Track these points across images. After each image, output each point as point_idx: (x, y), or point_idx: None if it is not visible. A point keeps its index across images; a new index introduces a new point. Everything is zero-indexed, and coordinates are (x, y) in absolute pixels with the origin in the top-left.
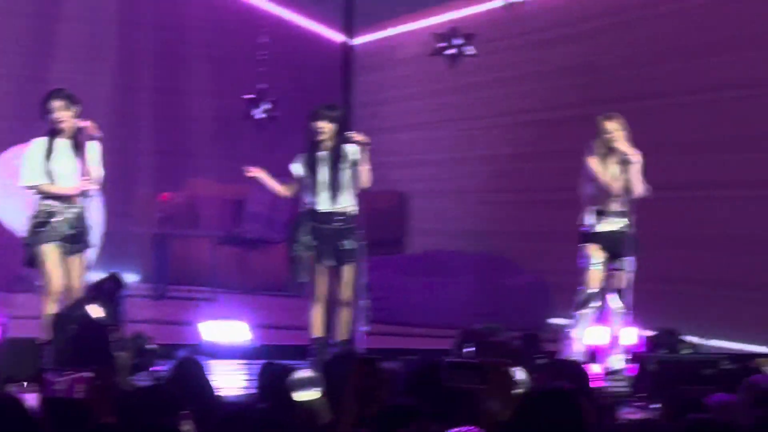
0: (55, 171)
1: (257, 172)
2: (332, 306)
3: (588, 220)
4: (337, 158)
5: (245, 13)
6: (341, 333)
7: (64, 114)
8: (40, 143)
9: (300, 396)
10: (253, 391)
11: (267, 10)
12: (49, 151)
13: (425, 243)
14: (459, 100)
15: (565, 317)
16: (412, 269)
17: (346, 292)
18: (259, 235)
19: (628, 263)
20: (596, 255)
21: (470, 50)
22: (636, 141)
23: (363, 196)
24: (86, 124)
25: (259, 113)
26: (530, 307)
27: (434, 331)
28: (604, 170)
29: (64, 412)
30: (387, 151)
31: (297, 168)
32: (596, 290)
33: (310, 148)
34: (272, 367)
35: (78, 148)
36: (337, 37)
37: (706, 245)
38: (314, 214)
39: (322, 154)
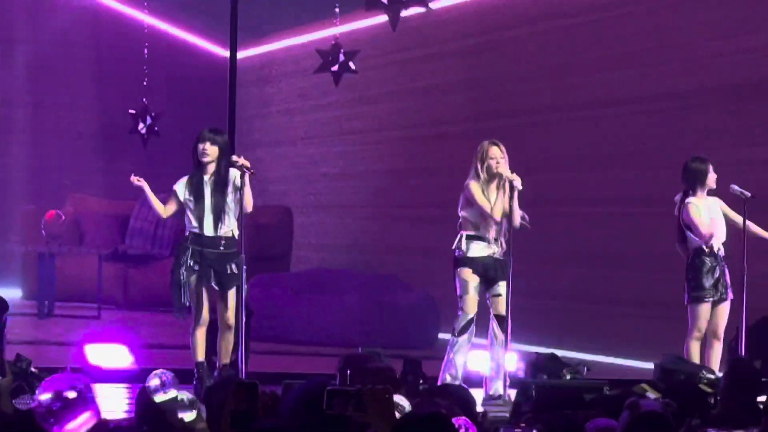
0: None
1: (142, 183)
2: (216, 329)
3: (463, 245)
4: (221, 183)
5: (128, 27)
6: (224, 356)
7: None
8: None
9: (177, 419)
10: (132, 415)
11: (151, 25)
12: None
13: (310, 258)
14: (343, 116)
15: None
16: (299, 287)
17: (230, 316)
18: (144, 251)
19: (505, 288)
20: (472, 280)
21: (353, 66)
22: (512, 158)
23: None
24: None
25: (143, 128)
26: (419, 324)
27: (323, 350)
28: (486, 196)
29: None
30: (271, 166)
31: (180, 190)
32: (473, 315)
33: (194, 170)
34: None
35: None
36: (221, 51)
37: (576, 262)
38: (199, 238)
39: (207, 177)
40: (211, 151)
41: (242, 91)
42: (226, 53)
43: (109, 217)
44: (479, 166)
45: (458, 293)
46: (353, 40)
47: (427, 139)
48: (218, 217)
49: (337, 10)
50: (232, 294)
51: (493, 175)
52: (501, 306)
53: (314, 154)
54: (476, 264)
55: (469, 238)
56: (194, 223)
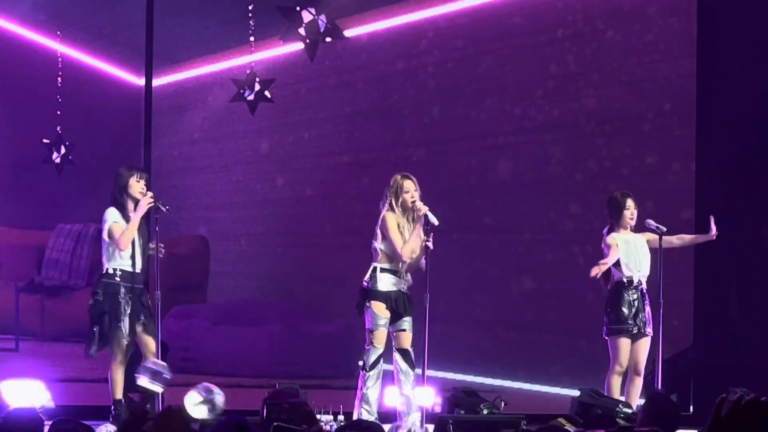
0: None
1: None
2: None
3: (375, 278)
4: (145, 219)
5: (41, 56)
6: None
7: None
8: None
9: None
10: None
11: (65, 54)
12: None
13: (227, 287)
14: (258, 143)
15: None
16: (217, 317)
17: (153, 349)
18: (60, 282)
19: (410, 323)
20: (382, 314)
21: (268, 95)
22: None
23: (168, 241)
24: None
25: (57, 157)
26: (338, 353)
27: (242, 381)
28: (400, 231)
29: None
30: (186, 194)
31: (122, 224)
32: (383, 349)
33: (121, 205)
34: (62, 426)
35: None
36: (135, 79)
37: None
38: (130, 275)
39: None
40: (141, 188)
41: (157, 119)
42: (141, 81)
43: (24, 248)
44: (393, 201)
45: (368, 326)
46: (269, 68)
47: (344, 165)
48: (144, 253)
49: (252, 39)
50: (152, 327)
51: (407, 209)
52: (405, 341)
53: (230, 182)
54: (386, 297)
55: (383, 270)
56: (126, 260)
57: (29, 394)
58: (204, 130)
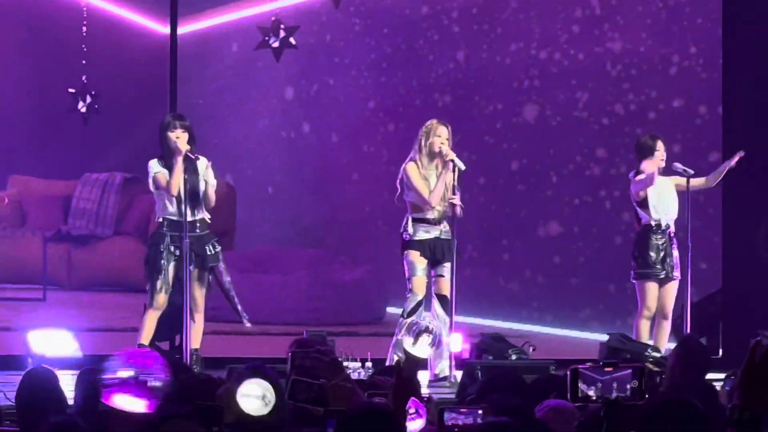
0: None
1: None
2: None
3: (409, 228)
4: (193, 168)
5: (65, 6)
6: (196, 341)
7: None
8: None
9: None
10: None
11: (89, 3)
12: None
13: (255, 235)
14: (283, 91)
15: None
16: (244, 266)
17: (201, 298)
18: (87, 231)
19: (449, 269)
20: (419, 262)
21: (293, 42)
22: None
23: None
24: None
25: (83, 107)
26: (366, 300)
27: (269, 329)
28: (424, 178)
29: None
30: (213, 142)
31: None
32: (422, 297)
33: (165, 156)
34: (90, 375)
35: None
36: (160, 27)
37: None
38: (177, 224)
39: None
40: (183, 138)
41: (182, 67)
42: (166, 29)
43: (51, 197)
44: (422, 144)
45: (407, 275)
46: (293, 15)
47: (369, 112)
48: (195, 201)
49: None
50: (205, 276)
51: (433, 155)
52: (443, 286)
53: (255, 129)
54: (423, 246)
55: (415, 221)
56: (172, 209)
57: (57, 343)
58: (229, 77)
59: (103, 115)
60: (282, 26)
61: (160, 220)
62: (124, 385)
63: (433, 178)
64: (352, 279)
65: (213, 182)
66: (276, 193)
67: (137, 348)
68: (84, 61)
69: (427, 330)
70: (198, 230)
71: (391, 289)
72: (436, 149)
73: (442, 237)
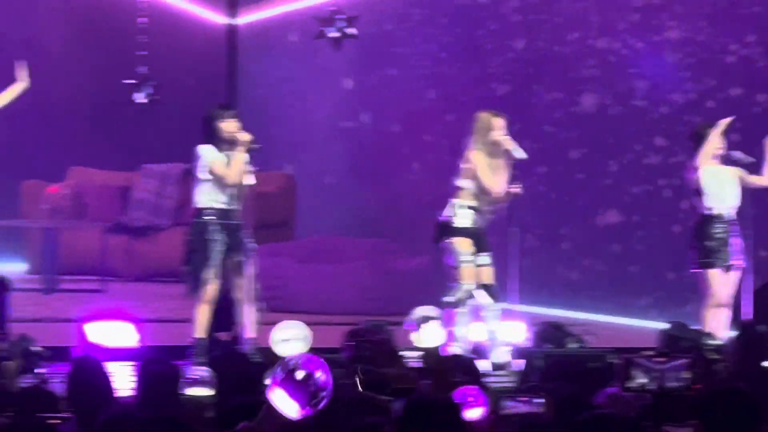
0: None
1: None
2: (229, 303)
3: (455, 214)
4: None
5: None
6: (252, 330)
7: None
8: None
9: (192, 392)
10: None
11: None
12: None
13: (314, 225)
14: (342, 80)
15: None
16: (303, 255)
17: (252, 288)
18: (146, 222)
19: (490, 257)
20: (466, 249)
21: (352, 32)
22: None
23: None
24: None
25: (140, 98)
26: (424, 289)
27: (329, 319)
28: (488, 168)
29: None
30: (273, 133)
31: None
32: (470, 285)
33: (214, 145)
34: (151, 366)
35: None
36: (219, 18)
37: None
38: (223, 213)
39: (229, 153)
40: (236, 128)
41: (241, 57)
42: (226, 20)
43: (110, 189)
44: (482, 137)
45: (453, 263)
46: (352, 5)
47: (428, 101)
48: (240, 190)
49: None
50: (251, 266)
51: (494, 146)
52: (487, 276)
53: (314, 119)
54: (468, 233)
55: (462, 207)
56: (222, 198)
57: (115, 334)
58: (288, 68)
59: (162, 105)
60: (341, 16)
61: (204, 207)
62: (289, 383)
63: (497, 171)
64: (411, 268)
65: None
66: (336, 183)
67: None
68: (143, 52)
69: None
70: (237, 219)
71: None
72: (496, 141)
73: (483, 227)
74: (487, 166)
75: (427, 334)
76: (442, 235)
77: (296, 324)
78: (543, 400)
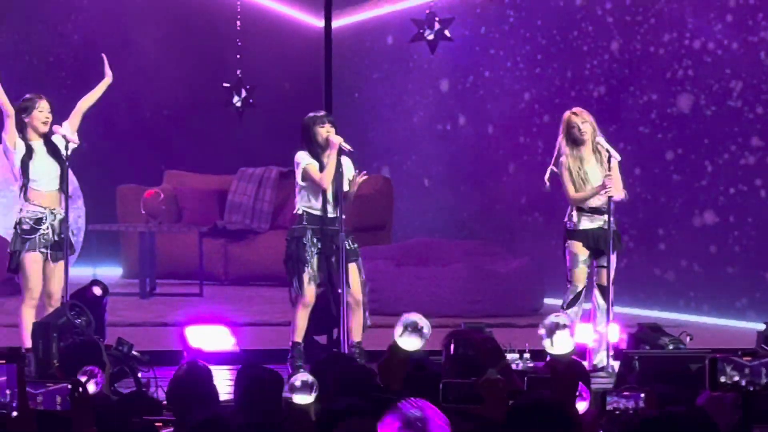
0: (36, 171)
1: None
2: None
3: (573, 217)
4: (340, 164)
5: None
6: (356, 334)
7: (50, 116)
8: (21, 144)
9: (297, 399)
10: (234, 396)
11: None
12: (29, 153)
13: (410, 227)
14: (438, 83)
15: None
16: (401, 258)
17: (357, 291)
18: (243, 226)
19: (610, 260)
20: (581, 253)
21: (448, 34)
22: None
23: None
24: (65, 131)
25: (238, 101)
26: (523, 291)
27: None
28: (579, 170)
29: (45, 426)
30: (370, 136)
31: (314, 166)
32: (582, 288)
33: (312, 151)
34: (251, 371)
35: (55, 150)
36: (315, 21)
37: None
38: (320, 219)
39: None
40: (332, 132)
41: (336, 60)
42: (321, 23)
43: (206, 192)
44: (565, 138)
45: (568, 266)
46: (448, 7)
47: (525, 103)
48: (336, 197)
49: None
50: (354, 269)
51: (578, 142)
52: (604, 277)
53: (411, 122)
54: (585, 236)
55: (579, 210)
56: (316, 203)
57: (214, 338)
58: (384, 70)
59: (258, 109)
60: (437, 18)
61: (301, 212)
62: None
63: (591, 169)
64: (509, 270)
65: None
66: (432, 185)
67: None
68: (238, 56)
69: (420, 332)
70: (336, 225)
71: (548, 279)
72: (580, 138)
73: (603, 227)
74: (570, 176)
75: (559, 341)
76: (564, 238)
77: (416, 316)
78: (644, 396)
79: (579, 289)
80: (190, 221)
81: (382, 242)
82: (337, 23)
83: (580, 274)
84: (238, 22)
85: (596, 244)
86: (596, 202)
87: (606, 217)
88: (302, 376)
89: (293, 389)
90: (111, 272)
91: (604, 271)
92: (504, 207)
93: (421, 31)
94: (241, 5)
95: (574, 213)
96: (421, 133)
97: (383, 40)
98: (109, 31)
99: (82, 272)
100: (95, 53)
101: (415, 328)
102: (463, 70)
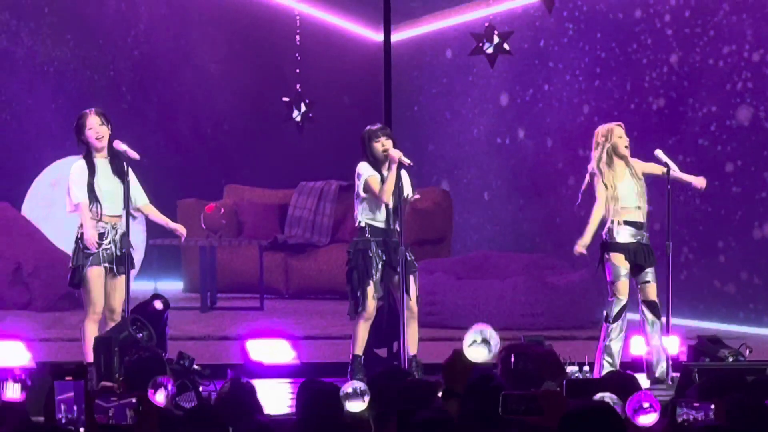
0: (101, 191)
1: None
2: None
3: (613, 230)
4: (399, 177)
5: (279, 15)
6: (413, 347)
7: (102, 130)
8: (81, 164)
9: (349, 407)
10: (295, 410)
11: (302, 12)
12: (92, 171)
13: (470, 240)
14: (497, 96)
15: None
16: (462, 271)
17: (414, 304)
18: (303, 240)
19: (653, 274)
20: (622, 265)
21: (507, 48)
22: None
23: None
24: (125, 146)
25: (298, 116)
26: (583, 303)
27: None
28: (612, 182)
29: None
30: (429, 149)
31: (376, 178)
32: (626, 301)
33: (372, 165)
34: (311, 386)
35: (118, 168)
36: (374, 35)
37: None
38: (381, 231)
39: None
40: (390, 146)
41: (396, 74)
42: (380, 37)
43: (266, 206)
44: (603, 149)
45: (609, 279)
46: (507, 20)
47: (584, 116)
48: (397, 210)
49: None
50: (412, 281)
51: (619, 156)
52: (651, 292)
53: (470, 135)
54: (626, 249)
55: (618, 223)
56: (380, 215)
57: (275, 351)
58: (443, 84)
59: (317, 123)
60: (496, 32)
61: (363, 225)
62: None
63: (623, 182)
64: (569, 283)
65: (410, 193)
66: (492, 198)
67: None
68: (298, 70)
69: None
70: (396, 236)
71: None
72: (621, 152)
73: (644, 242)
74: (605, 190)
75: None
76: (602, 250)
77: (483, 328)
78: (714, 407)
79: (624, 302)
80: (250, 235)
81: (441, 255)
82: (396, 37)
83: (623, 286)
84: (298, 37)
85: (635, 258)
86: (635, 216)
87: (645, 231)
88: (353, 384)
89: (346, 397)
90: (172, 286)
91: (648, 287)
92: (563, 220)
93: (480, 44)
94: (300, 19)
95: (614, 226)
96: (480, 147)
97: (442, 54)
98: (169, 45)
99: (143, 286)
100: (155, 68)
101: (484, 341)
102: (522, 83)
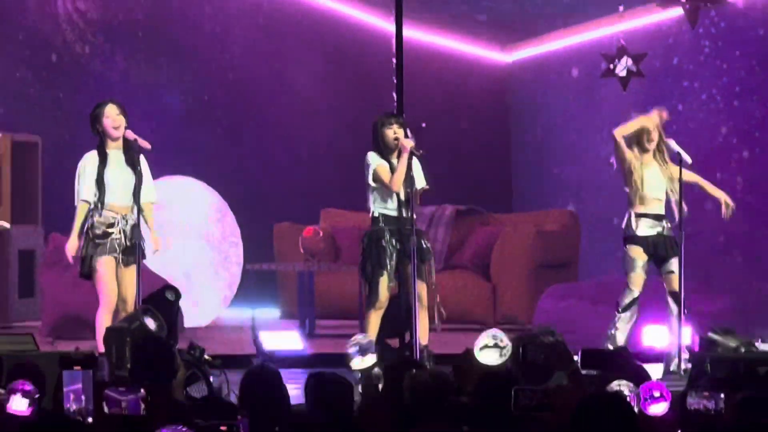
0: (110, 182)
1: None
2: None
3: (632, 223)
4: (410, 168)
5: (375, 36)
6: (424, 337)
7: (119, 119)
8: (92, 155)
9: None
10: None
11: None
12: (104, 161)
13: (596, 264)
14: (626, 118)
15: None
16: (596, 296)
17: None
18: None
19: (676, 265)
20: (639, 258)
21: (640, 71)
22: None
23: (535, 217)
24: (135, 136)
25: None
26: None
27: None
28: (641, 171)
29: (121, 429)
30: (555, 172)
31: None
32: (639, 293)
33: (381, 154)
34: (318, 376)
35: (131, 159)
36: (493, 55)
37: None
38: (396, 220)
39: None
40: (401, 134)
41: (519, 94)
42: (498, 57)
43: (361, 230)
44: (635, 135)
45: (625, 270)
46: (637, 39)
47: (721, 137)
48: (408, 199)
49: (621, 7)
50: (424, 270)
51: (650, 144)
52: (675, 283)
53: (598, 158)
54: (646, 242)
55: (637, 215)
56: (391, 204)
57: (286, 341)
58: (569, 104)
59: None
60: (628, 54)
61: (377, 215)
62: None
63: (650, 170)
64: (712, 310)
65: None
66: (621, 222)
67: None
68: (393, 94)
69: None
70: (409, 225)
71: (754, 319)
72: (651, 140)
73: (666, 233)
74: (634, 169)
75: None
76: (624, 243)
77: (496, 333)
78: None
79: (636, 294)
80: (348, 260)
81: (566, 280)
82: (517, 55)
83: (638, 278)
84: (394, 60)
85: (656, 250)
86: (656, 208)
87: (665, 222)
88: (355, 339)
89: (349, 358)
90: (269, 314)
91: (672, 277)
92: (700, 246)
93: (612, 66)
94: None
95: (633, 219)
96: (609, 169)
97: (568, 73)
98: (264, 69)
99: (240, 314)
100: (250, 92)
101: (496, 345)
102: (654, 103)
